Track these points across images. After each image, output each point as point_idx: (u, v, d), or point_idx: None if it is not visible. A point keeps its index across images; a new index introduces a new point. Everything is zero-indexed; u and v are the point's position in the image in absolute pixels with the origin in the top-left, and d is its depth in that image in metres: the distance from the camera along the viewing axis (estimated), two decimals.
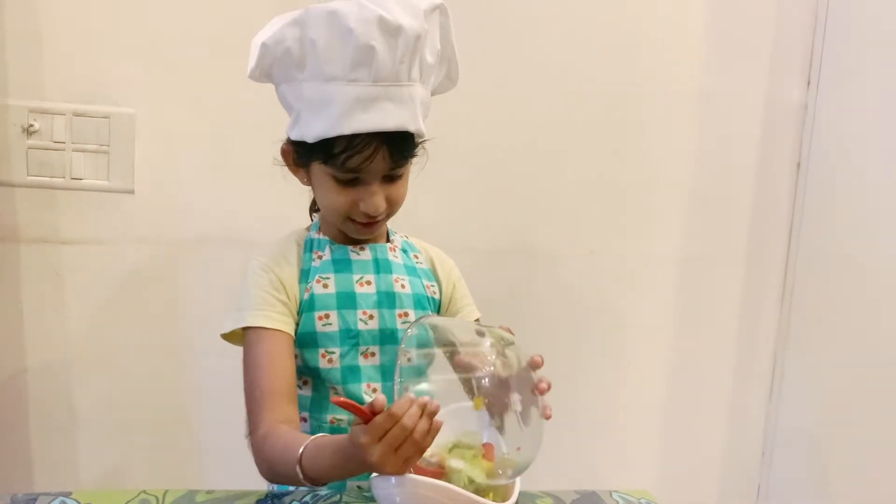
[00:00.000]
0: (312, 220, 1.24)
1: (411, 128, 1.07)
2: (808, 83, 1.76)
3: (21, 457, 1.56)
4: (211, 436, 1.61)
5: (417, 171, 1.15)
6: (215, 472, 1.61)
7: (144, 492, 0.99)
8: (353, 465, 0.90)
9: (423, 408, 0.84)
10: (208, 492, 1.02)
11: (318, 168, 1.10)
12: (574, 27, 1.67)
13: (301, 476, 0.94)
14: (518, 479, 0.96)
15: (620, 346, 1.79)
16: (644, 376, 1.81)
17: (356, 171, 1.07)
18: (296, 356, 1.12)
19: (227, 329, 1.12)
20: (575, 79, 1.68)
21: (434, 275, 1.23)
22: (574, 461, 1.73)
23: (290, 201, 1.58)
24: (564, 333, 1.74)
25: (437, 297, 1.22)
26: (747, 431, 1.87)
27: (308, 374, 1.13)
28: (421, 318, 0.98)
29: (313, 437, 0.96)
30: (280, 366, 1.09)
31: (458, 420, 0.94)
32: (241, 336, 1.13)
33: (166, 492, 1.00)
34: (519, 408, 0.92)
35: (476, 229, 1.67)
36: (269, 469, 1.04)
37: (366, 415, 0.84)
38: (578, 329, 1.76)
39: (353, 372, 1.12)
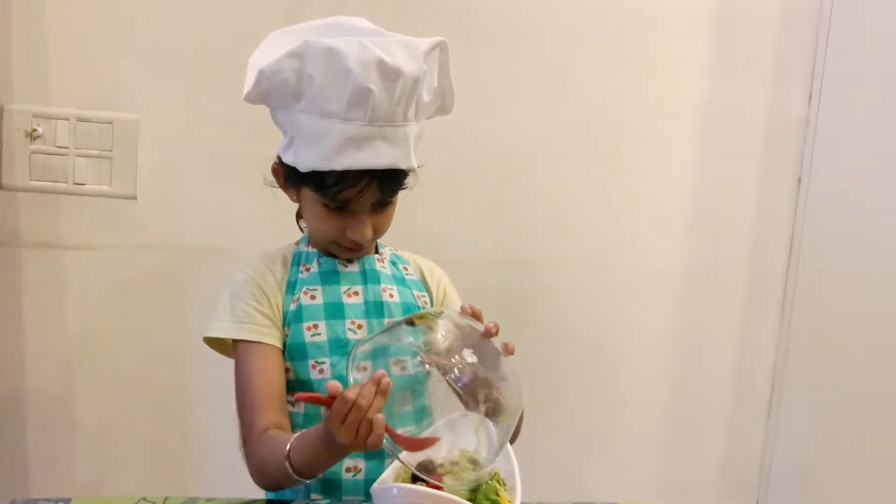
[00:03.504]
0: (301, 228, 1.24)
1: (403, 165, 1.08)
2: (810, 98, 1.77)
3: (20, 462, 1.55)
4: (211, 443, 1.60)
5: (406, 193, 1.15)
6: (216, 480, 1.60)
7: (144, 499, 0.99)
8: (335, 450, 0.93)
9: (378, 384, 0.87)
10: (208, 499, 1.02)
11: (307, 193, 1.11)
12: (576, 40, 1.68)
13: (291, 470, 0.97)
14: (519, 490, 0.96)
15: (620, 360, 1.79)
16: (643, 390, 1.81)
17: (344, 202, 1.08)
18: (287, 370, 1.13)
19: (209, 335, 1.14)
20: (576, 92, 1.69)
21: (424, 285, 1.24)
22: (573, 474, 1.74)
23: (292, 208, 1.59)
24: (564, 347, 1.74)
25: (427, 306, 1.22)
26: (746, 445, 1.86)
27: (300, 388, 1.12)
28: (355, 345, 0.99)
29: (299, 432, 0.99)
30: (269, 375, 1.10)
31: (453, 431, 0.97)
32: (222, 343, 1.15)
33: (166, 499, 1.00)
34: (474, 359, 0.95)
35: (475, 242, 1.67)
36: (261, 473, 1.05)
37: (327, 402, 0.88)
38: (578, 342, 1.76)
39: (344, 381, 1.11)
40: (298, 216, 1.25)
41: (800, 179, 1.79)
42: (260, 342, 1.11)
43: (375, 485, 0.92)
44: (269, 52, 1.07)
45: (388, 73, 1.02)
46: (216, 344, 1.16)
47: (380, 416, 0.87)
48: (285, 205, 1.60)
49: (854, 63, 1.70)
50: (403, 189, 1.13)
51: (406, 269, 1.23)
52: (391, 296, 1.17)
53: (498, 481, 0.96)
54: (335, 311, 1.13)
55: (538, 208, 1.70)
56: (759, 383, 1.85)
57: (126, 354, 1.56)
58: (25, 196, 1.49)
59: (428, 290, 1.24)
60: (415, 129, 1.09)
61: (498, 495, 0.94)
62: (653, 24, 1.72)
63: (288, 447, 0.97)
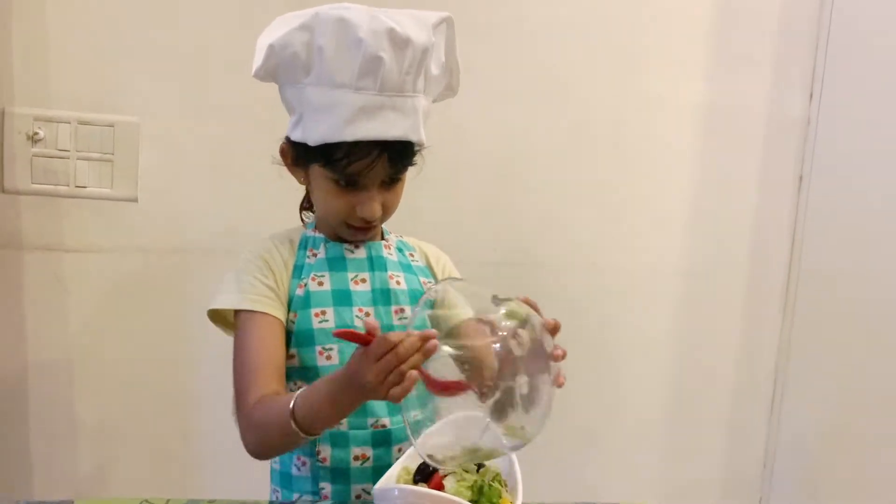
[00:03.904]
0: (303, 219, 1.24)
1: (413, 137, 1.08)
2: (811, 97, 1.77)
3: (23, 464, 1.55)
4: (213, 445, 1.61)
5: (413, 177, 1.16)
6: (218, 481, 1.61)
7: (146, 500, 1.00)
8: (348, 396, 0.92)
9: (423, 336, 0.86)
10: (210, 501, 1.02)
11: (317, 170, 1.10)
12: (577, 40, 1.68)
13: (294, 426, 0.94)
14: (520, 490, 0.96)
15: (621, 359, 1.79)
16: (645, 389, 1.81)
17: (356, 176, 1.07)
18: (292, 356, 1.12)
19: (214, 307, 1.12)
20: (577, 92, 1.69)
21: (430, 271, 1.24)
22: (575, 474, 1.73)
23: (293, 210, 1.59)
24: (564, 346, 1.73)
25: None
26: (749, 444, 1.86)
27: (305, 376, 1.11)
28: (444, 280, 0.96)
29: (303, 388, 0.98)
30: (269, 345, 1.09)
31: (460, 429, 0.94)
32: (226, 321, 1.15)
33: (168, 500, 1.00)
34: (525, 390, 0.91)
35: (476, 242, 1.67)
36: (259, 437, 1.03)
37: (365, 340, 0.87)
38: (578, 342, 1.75)
39: None
40: (302, 207, 1.25)
41: (801, 178, 1.79)
42: (264, 312, 1.09)
43: (377, 486, 0.93)
44: (277, 31, 1.07)
45: (398, 42, 1.02)
46: (220, 321, 1.15)
47: (413, 372, 0.85)
48: (287, 207, 1.61)
49: (855, 62, 1.70)
50: (412, 165, 1.12)
51: (412, 255, 1.23)
52: (398, 283, 1.17)
53: (499, 482, 0.96)
54: (343, 297, 1.13)
55: (538, 208, 1.70)
56: (761, 382, 1.85)
57: (128, 356, 1.56)
58: (27, 199, 1.50)
59: (434, 276, 1.24)
60: (423, 102, 1.09)
61: (500, 497, 0.94)
62: (653, 24, 1.72)
63: (292, 403, 0.95)
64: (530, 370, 0.91)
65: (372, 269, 1.16)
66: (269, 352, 1.09)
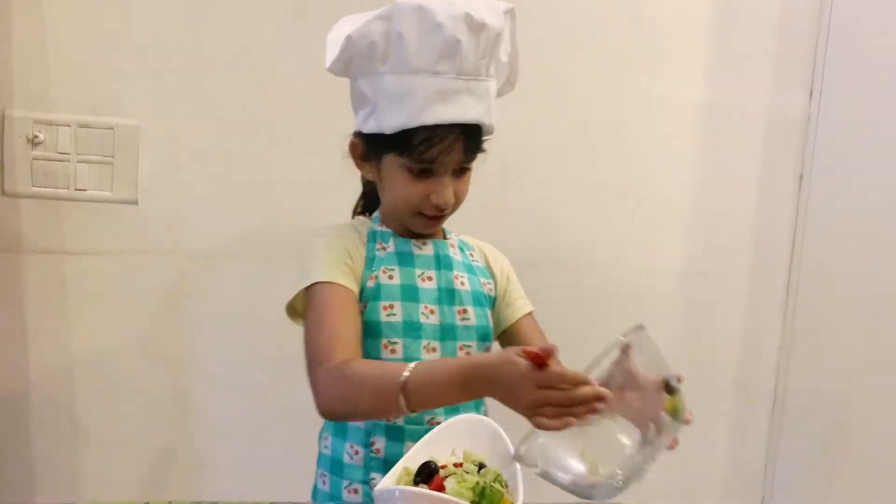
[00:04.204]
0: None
1: (486, 121, 1.12)
2: (811, 95, 1.77)
3: (25, 468, 1.55)
4: (215, 447, 1.61)
5: (478, 166, 1.17)
6: (220, 484, 1.61)
7: (148, 503, 1.00)
8: (479, 390, 0.93)
9: (598, 395, 0.84)
10: (212, 503, 1.02)
11: (391, 160, 1.12)
12: (577, 40, 1.68)
13: (400, 394, 0.94)
14: (521, 490, 0.96)
15: None
16: None
17: (432, 162, 1.10)
18: None
19: (304, 284, 1.11)
20: (578, 91, 1.69)
21: (489, 272, 1.26)
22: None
23: (293, 212, 1.59)
24: (565, 346, 1.73)
25: (492, 294, 1.24)
26: (750, 443, 1.86)
27: None
28: (640, 330, 0.95)
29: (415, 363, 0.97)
30: (351, 316, 1.10)
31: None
32: (296, 310, 1.16)
33: (170, 503, 1.00)
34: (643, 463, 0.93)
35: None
36: (348, 391, 1.01)
37: (539, 360, 0.86)
38: (579, 342, 1.75)
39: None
40: (355, 211, 1.28)
41: (801, 177, 1.79)
42: (344, 285, 1.10)
43: (378, 487, 0.93)
44: (350, 25, 1.10)
45: (474, 26, 1.06)
46: (295, 314, 1.16)
47: (573, 419, 0.84)
48: (287, 210, 1.61)
49: (854, 59, 1.70)
50: (482, 152, 1.15)
51: (472, 255, 1.25)
52: (462, 283, 1.19)
53: (500, 482, 0.96)
54: (411, 293, 1.15)
55: (538, 208, 1.70)
56: (762, 381, 1.85)
57: (129, 359, 1.56)
58: (27, 202, 1.50)
59: (492, 276, 1.26)
60: (493, 87, 1.13)
61: (501, 498, 0.94)
62: (653, 23, 1.71)
63: (404, 377, 0.94)
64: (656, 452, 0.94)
65: (438, 267, 1.18)
66: (351, 322, 1.09)
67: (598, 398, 0.84)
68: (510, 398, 0.88)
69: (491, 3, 1.11)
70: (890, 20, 1.61)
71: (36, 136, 1.48)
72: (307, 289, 1.11)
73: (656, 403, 0.94)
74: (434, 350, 1.15)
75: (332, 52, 1.11)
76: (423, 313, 1.14)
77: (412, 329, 1.13)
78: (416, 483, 0.95)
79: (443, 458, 1.00)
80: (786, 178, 1.79)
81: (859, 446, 1.65)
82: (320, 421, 1.62)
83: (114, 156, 1.52)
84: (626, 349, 0.92)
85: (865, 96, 1.67)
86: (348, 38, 1.08)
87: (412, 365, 0.96)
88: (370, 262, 1.15)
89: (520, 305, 1.26)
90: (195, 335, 1.58)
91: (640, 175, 1.75)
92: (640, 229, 1.76)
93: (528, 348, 0.89)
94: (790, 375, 1.81)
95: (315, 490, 1.20)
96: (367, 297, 1.13)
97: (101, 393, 1.57)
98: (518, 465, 0.99)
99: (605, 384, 0.86)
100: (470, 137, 1.11)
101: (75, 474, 1.58)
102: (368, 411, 1.03)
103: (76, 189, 1.51)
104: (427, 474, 0.96)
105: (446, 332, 1.16)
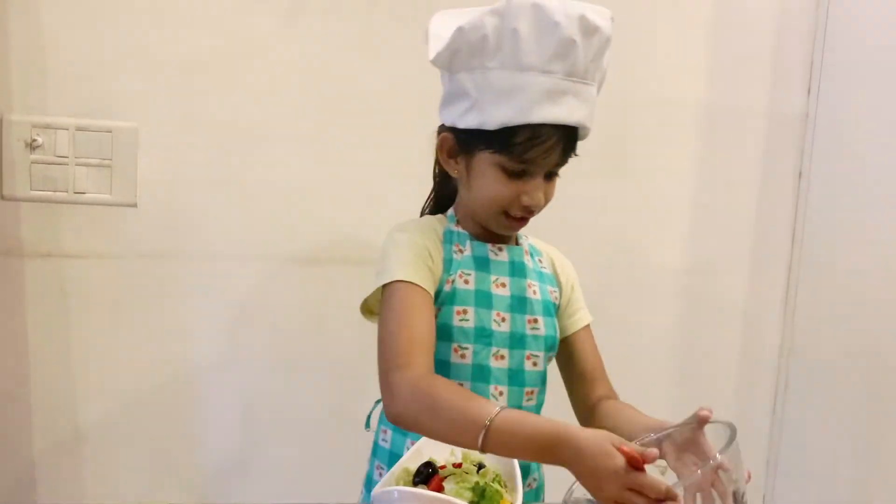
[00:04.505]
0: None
1: (588, 124, 1.11)
2: (809, 92, 1.77)
3: (26, 472, 1.55)
4: (215, 451, 1.61)
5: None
6: (220, 487, 1.61)
7: None
8: (554, 458, 0.90)
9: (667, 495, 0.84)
10: None
11: (485, 157, 1.10)
12: None
13: (481, 437, 0.91)
14: (520, 491, 0.96)
15: (622, 358, 1.78)
16: (648, 386, 1.80)
17: (530, 162, 1.09)
18: None
19: (383, 282, 1.10)
20: None
21: (556, 279, 1.25)
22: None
23: (292, 214, 1.59)
24: None
25: (557, 301, 1.23)
26: (752, 441, 1.86)
27: (437, 368, 1.10)
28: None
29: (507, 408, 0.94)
30: (428, 319, 1.08)
31: None
32: (370, 309, 1.16)
33: None
34: None
35: None
36: (426, 407, 0.97)
37: (633, 461, 0.85)
38: None
39: (483, 371, 1.13)
40: (423, 210, 1.26)
41: (800, 174, 1.79)
42: (422, 286, 1.09)
43: (376, 489, 0.93)
44: (453, 20, 1.08)
45: (588, 29, 1.05)
46: (370, 314, 1.16)
47: None
48: (286, 212, 1.61)
49: (852, 57, 1.70)
50: (575, 156, 1.13)
51: (541, 261, 1.24)
52: (534, 292, 1.18)
53: (500, 483, 0.96)
54: (485, 299, 1.14)
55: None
56: (763, 379, 1.85)
57: (129, 362, 1.56)
58: (26, 206, 1.50)
59: (559, 284, 1.25)
60: (595, 92, 1.12)
61: (501, 498, 0.94)
62: (652, 22, 1.71)
63: (491, 419, 0.91)
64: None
65: (512, 274, 1.17)
66: (428, 327, 1.07)
67: (672, 499, 0.84)
68: (592, 485, 0.86)
69: (596, 7, 1.09)
70: (886, 18, 1.61)
71: (34, 140, 1.48)
72: (385, 286, 1.10)
73: (711, 479, 0.95)
74: (503, 357, 1.14)
75: (438, 43, 1.08)
76: (494, 320, 1.14)
77: (483, 336, 1.13)
78: (415, 484, 0.95)
79: (442, 458, 1.00)
80: (785, 176, 1.79)
81: (861, 443, 1.65)
82: (320, 423, 1.64)
83: (112, 159, 1.52)
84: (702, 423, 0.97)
85: (863, 92, 1.67)
86: (459, 30, 1.06)
87: (498, 408, 0.92)
88: (447, 264, 1.14)
89: (578, 318, 1.25)
90: (195, 338, 1.58)
91: (640, 173, 1.75)
92: (640, 228, 1.76)
93: (627, 448, 0.86)
94: (791, 372, 1.81)
95: (369, 480, 1.20)
96: (442, 301, 1.12)
97: (101, 395, 1.56)
98: (517, 465, 0.99)
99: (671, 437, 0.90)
100: (569, 140, 1.10)
101: (76, 477, 1.57)
102: (439, 433, 0.98)
103: (75, 192, 1.51)
104: (426, 475, 0.96)
105: (516, 341, 1.15)
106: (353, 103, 1.58)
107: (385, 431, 1.18)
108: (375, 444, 1.21)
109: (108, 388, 1.56)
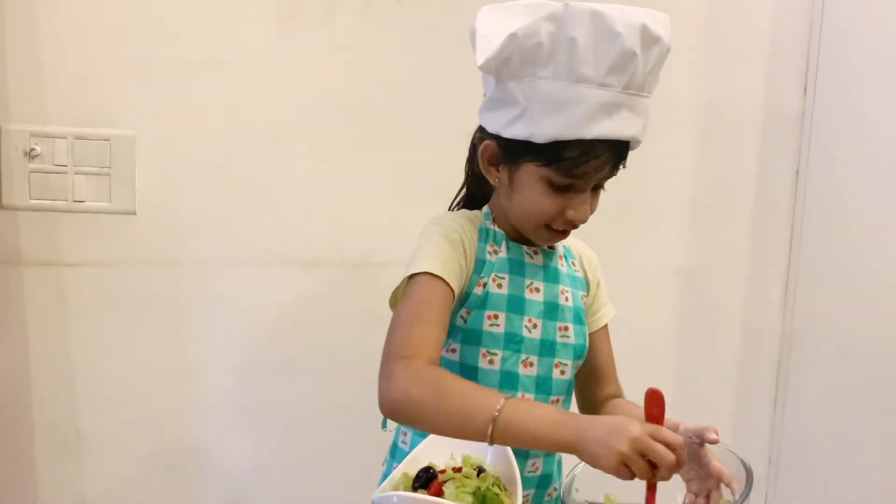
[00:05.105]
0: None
1: (641, 138, 1.06)
2: (805, 90, 1.77)
3: (27, 477, 1.56)
4: (217, 455, 1.61)
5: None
6: (221, 493, 1.61)
7: None
8: (561, 427, 0.89)
9: (679, 460, 0.86)
10: None
11: (530, 169, 1.05)
12: None
13: (490, 430, 0.89)
14: (520, 493, 0.96)
15: (623, 357, 1.78)
16: (647, 386, 1.80)
17: (579, 177, 1.03)
18: (453, 350, 1.10)
19: (412, 272, 1.05)
20: None
21: (586, 281, 1.22)
22: (579, 473, 1.73)
23: (291, 220, 1.59)
24: None
25: (585, 305, 1.21)
26: (753, 439, 1.86)
27: (464, 373, 1.08)
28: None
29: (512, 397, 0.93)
30: (445, 319, 1.03)
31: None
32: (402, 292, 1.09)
33: None
34: None
35: None
36: (429, 395, 0.93)
37: (655, 418, 0.88)
38: None
39: (511, 378, 1.10)
40: (453, 206, 1.22)
41: (798, 172, 1.79)
42: (450, 285, 1.04)
43: (375, 495, 0.93)
44: (504, 23, 1.00)
45: (649, 39, 0.99)
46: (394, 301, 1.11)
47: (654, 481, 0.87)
48: (284, 218, 1.61)
49: (849, 54, 1.70)
50: (623, 168, 1.08)
51: (574, 263, 1.21)
52: (567, 299, 1.15)
53: (499, 486, 0.96)
54: (517, 305, 1.10)
55: None
56: (763, 377, 1.84)
57: (129, 369, 1.56)
58: (25, 215, 1.50)
59: (587, 284, 1.22)
60: (649, 104, 1.05)
61: (501, 502, 0.94)
62: None
63: (498, 409, 0.89)
64: None
65: (546, 279, 1.14)
66: (443, 328, 1.03)
67: (680, 464, 0.86)
68: (602, 449, 0.85)
69: (657, 14, 1.01)
70: (882, 16, 1.61)
71: (33, 149, 1.49)
72: (412, 275, 1.04)
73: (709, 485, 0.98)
74: (531, 365, 1.11)
75: (488, 48, 0.99)
76: (526, 326, 1.10)
77: (513, 342, 1.09)
78: (414, 489, 0.95)
79: (442, 462, 1.00)
80: (782, 174, 1.79)
81: (862, 441, 1.65)
82: (319, 426, 1.64)
83: (111, 167, 1.52)
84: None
85: (860, 90, 1.67)
86: (512, 36, 0.97)
87: (508, 396, 0.91)
88: (480, 265, 1.09)
89: (600, 315, 1.23)
90: (194, 344, 1.58)
91: (638, 173, 1.73)
92: (637, 226, 1.76)
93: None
94: (791, 370, 1.81)
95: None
96: (472, 304, 1.08)
97: (102, 403, 1.57)
98: (517, 469, 0.99)
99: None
100: (621, 155, 1.04)
101: (77, 484, 1.58)
102: (439, 423, 0.94)
103: (74, 200, 1.51)
104: (426, 479, 0.96)
105: (546, 348, 1.12)
106: (351, 108, 1.58)
107: (405, 434, 1.16)
108: (394, 445, 1.18)
109: (108, 394, 1.57)
